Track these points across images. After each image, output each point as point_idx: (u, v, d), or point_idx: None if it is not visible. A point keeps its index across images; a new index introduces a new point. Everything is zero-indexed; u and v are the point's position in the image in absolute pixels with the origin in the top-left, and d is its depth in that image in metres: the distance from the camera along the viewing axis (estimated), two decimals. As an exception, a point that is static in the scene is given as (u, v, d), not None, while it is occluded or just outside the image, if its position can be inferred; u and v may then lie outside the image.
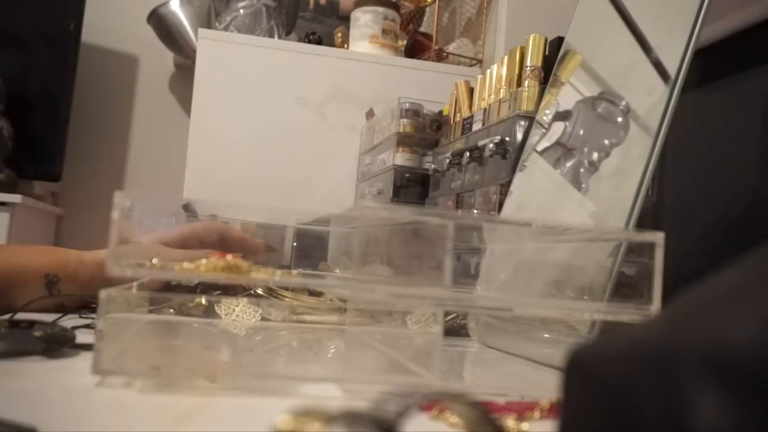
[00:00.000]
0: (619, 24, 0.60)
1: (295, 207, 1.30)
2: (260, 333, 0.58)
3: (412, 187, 1.03)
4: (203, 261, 0.39)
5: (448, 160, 0.84)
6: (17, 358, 0.40)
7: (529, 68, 0.73)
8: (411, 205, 1.01)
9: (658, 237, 0.41)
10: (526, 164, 0.66)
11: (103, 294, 0.36)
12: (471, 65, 1.42)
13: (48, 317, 0.51)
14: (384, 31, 1.39)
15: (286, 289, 0.64)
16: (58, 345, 0.42)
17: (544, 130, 0.66)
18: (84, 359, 0.42)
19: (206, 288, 0.64)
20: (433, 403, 0.33)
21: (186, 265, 0.40)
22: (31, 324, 0.43)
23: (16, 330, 0.42)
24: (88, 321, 0.56)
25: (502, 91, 0.78)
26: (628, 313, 0.41)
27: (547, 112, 0.66)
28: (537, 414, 0.35)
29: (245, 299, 0.61)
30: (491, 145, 0.71)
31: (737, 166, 0.71)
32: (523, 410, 0.35)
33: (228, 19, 1.45)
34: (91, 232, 1.97)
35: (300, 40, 1.58)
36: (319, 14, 1.81)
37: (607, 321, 0.44)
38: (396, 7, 1.42)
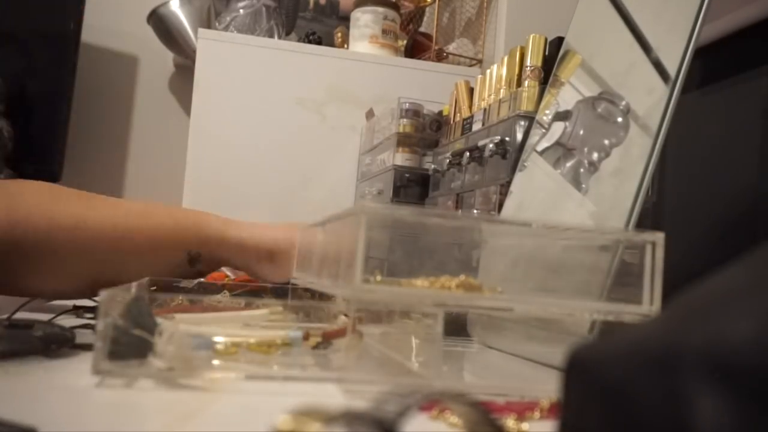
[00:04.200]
0: (619, 24, 0.60)
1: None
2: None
3: (412, 187, 1.02)
4: (442, 278, 0.40)
5: (448, 160, 0.84)
6: (17, 358, 0.40)
7: (529, 68, 0.73)
8: (411, 205, 1.01)
9: (658, 237, 0.41)
10: (526, 164, 0.66)
11: (102, 294, 0.36)
12: (471, 65, 1.42)
13: (46, 317, 0.51)
14: (384, 31, 1.39)
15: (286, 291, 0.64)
16: (58, 345, 0.42)
17: (544, 130, 0.66)
18: (83, 359, 0.42)
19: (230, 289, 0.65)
20: (433, 403, 0.33)
21: (420, 282, 0.40)
22: (31, 324, 0.43)
23: (16, 330, 0.42)
24: (86, 321, 0.56)
25: (502, 91, 0.77)
26: (628, 313, 0.41)
27: (547, 112, 0.66)
28: (537, 414, 0.35)
29: (227, 296, 0.61)
30: (491, 145, 0.71)
31: (737, 166, 0.71)
32: (523, 410, 0.35)
33: (228, 19, 1.45)
34: (91, 232, 1.97)
35: (300, 40, 1.58)
36: (319, 14, 1.81)
37: (607, 321, 0.44)
38: (396, 7, 1.42)
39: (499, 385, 0.42)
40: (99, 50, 1.99)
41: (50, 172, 1.84)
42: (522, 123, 0.69)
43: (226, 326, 0.43)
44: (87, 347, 0.43)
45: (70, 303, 0.62)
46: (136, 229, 0.61)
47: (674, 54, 0.53)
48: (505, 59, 0.78)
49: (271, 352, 0.41)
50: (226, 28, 1.43)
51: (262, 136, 1.33)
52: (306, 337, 0.42)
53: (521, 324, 0.55)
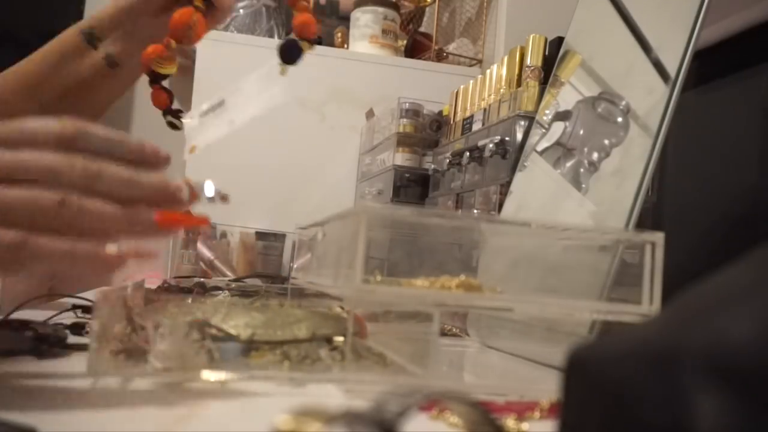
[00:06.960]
0: (619, 24, 0.60)
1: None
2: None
3: (412, 187, 1.02)
4: (442, 278, 0.39)
5: (448, 160, 0.84)
6: (8, 358, 0.40)
7: (529, 68, 0.73)
8: (411, 205, 1.00)
9: (658, 237, 0.41)
10: (526, 164, 0.66)
11: (98, 294, 0.36)
12: (471, 65, 1.41)
13: (45, 316, 0.51)
14: (384, 31, 1.39)
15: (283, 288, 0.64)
16: (50, 345, 0.42)
17: (544, 130, 0.66)
18: (76, 359, 0.41)
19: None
20: (433, 403, 0.33)
21: (420, 282, 0.40)
22: (23, 324, 0.43)
23: (8, 330, 0.42)
24: (78, 320, 0.55)
25: (502, 91, 0.77)
26: (628, 313, 0.41)
27: (547, 112, 0.66)
28: (537, 414, 0.35)
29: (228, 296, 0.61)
30: (491, 145, 0.71)
31: (737, 166, 0.71)
32: (523, 410, 0.35)
33: (228, 19, 1.45)
34: (90, 232, 1.96)
35: (300, 40, 1.58)
36: (319, 14, 1.81)
37: (607, 321, 0.44)
38: (396, 7, 1.42)
39: (499, 385, 0.42)
40: (99, 50, 1.99)
41: (50, 172, 1.83)
42: (522, 123, 0.69)
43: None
44: (78, 347, 0.43)
45: (69, 302, 0.62)
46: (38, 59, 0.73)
47: (674, 54, 0.53)
48: (505, 59, 0.78)
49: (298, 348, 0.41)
50: (226, 28, 1.43)
51: (263, 136, 1.33)
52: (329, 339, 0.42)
53: (521, 324, 0.55)
